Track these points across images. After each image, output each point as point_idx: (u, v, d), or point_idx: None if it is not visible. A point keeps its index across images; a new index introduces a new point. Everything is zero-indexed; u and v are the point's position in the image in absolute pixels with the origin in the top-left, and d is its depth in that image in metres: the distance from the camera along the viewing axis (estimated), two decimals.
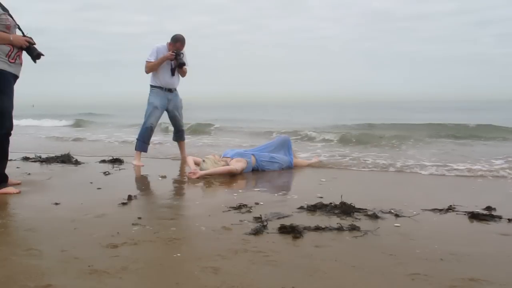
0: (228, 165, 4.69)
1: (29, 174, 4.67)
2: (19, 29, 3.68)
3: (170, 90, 5.62)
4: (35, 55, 3.66)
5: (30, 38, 3.65)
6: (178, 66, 5.49)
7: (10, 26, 3.55)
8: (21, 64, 3.69)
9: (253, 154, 4.99)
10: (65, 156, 5.74)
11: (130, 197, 3.46)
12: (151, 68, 5.49)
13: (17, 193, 3.63)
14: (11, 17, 3.62)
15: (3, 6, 3.60)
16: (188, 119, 7.52)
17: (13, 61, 3.56)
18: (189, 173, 4.55)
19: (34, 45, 3.66)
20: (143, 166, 5.35)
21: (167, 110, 5.69)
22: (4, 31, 3.50)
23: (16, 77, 3.67)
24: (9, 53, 3.52)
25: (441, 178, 4.60)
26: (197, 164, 4.74)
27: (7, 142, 3.66)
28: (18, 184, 4.00)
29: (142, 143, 5.57)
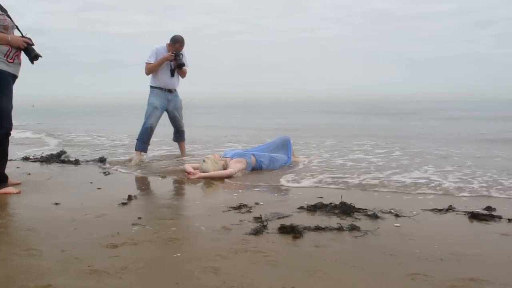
0: (227, 165, 4.69)
1: (29, 174, 4.67)
2: (18, 29, 3.69)
3: (170, 91, 5.64)
4: (33, 56, 3.67)
5: (29, 38, 3.65)
6: (177, 66, 5.50)
7: (8, 26, 3.56)
8: (20, 64, 3.70)
9: (253, 154, 4.99)
10: (61, 152, 5.88)
11: (130, 197, 3.46)
12: (151, 69, 5.51)
13: (17, 193, 3.63)
14: (10, 17, 3.62)
15: (2, 7, 3.61)
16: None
17: (11, 61, 3.57)
18: (188, 173, 4.55)
19: (32, 46, 3.66)
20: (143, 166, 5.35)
21: (167, 111, 5.71)
22: (2, 32, 3.51)
23: (15, 77, 3.67)
24: (8, 53, 3.54)
25: None
26: (195, 169, 4.72)
27: (6, 142, 3.66)
28: (18, 184, 4.00)
29: (142, 143, 5.58)
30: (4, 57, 3.53)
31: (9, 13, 3.66)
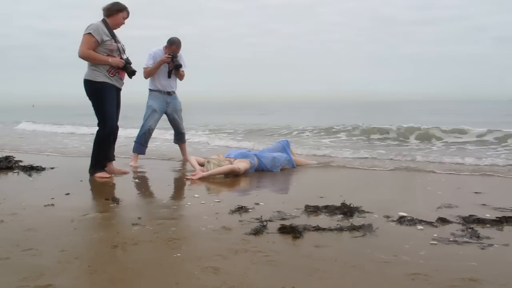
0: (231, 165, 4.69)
1: (30, 177, 4.67)
2: (123, 51, 4.53)
3: (169, 93, 5.63)
4: (129, 72, 4.53)
5: (127, 58, 4.51)
6: (174, 68, 5.49)
7: (113, 50, 4.41)
8: (121, 79, 4.55)
9: (255, 155, 5.00)
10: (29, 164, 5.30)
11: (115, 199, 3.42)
12: (149, 73, 5.50)
13: (108, 177, 4.40)
14: (117, 42, 4.45)
15: (112, 33, 4.44)
16: None
17: (112, 75, 4.43)
18: (192, 174, 4.53)
19: (130, 64, 4.50)
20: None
21: (166, 113, 5.70)
22: (108, 54, 4.35)
23: (118, 88, 4.56)
24: (109, 69, 4.40)
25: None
26: (200, 164, 4.72)
27: (110, 138, 4.55)
28: (126, 173, 4.74)
29: (140, 145, 5.57)
30: (107, 72, 4.39)
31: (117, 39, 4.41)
